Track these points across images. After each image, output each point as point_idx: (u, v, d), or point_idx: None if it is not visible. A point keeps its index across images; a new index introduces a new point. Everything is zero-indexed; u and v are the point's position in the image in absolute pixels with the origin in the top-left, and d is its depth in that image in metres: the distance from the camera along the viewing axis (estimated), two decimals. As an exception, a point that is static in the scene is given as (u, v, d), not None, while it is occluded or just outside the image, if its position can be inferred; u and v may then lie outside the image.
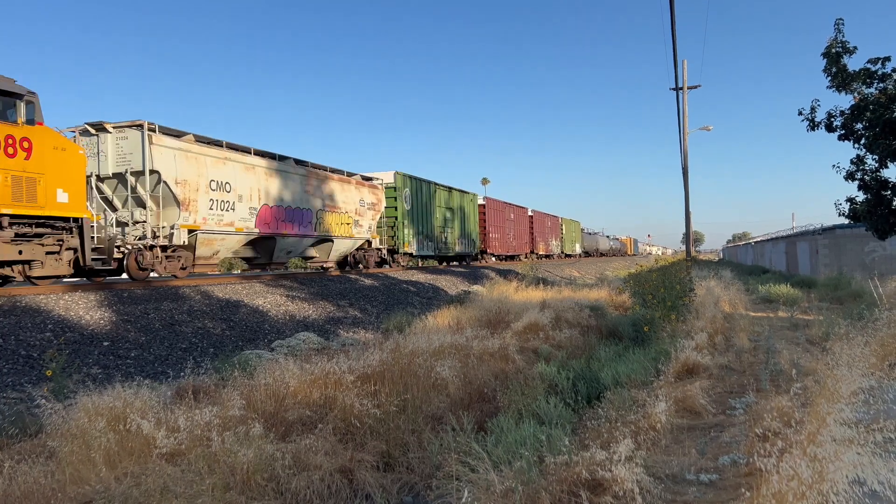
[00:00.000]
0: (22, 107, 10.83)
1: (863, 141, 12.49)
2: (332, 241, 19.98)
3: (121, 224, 13.97)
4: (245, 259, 18.28)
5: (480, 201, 35.07)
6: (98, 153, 13.79)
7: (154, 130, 13.71)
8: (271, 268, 18.42)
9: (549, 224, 49.17)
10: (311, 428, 5.35)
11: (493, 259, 36.71)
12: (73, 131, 13.82)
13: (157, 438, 4.68)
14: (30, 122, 10.93)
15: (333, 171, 20.62)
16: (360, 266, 22.43)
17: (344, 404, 5.64)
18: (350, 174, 21.70)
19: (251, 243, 16.99)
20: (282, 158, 17.86)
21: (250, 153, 16.63)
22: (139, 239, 13.73)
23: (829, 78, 12.76)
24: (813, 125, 13.21)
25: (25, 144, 10.72)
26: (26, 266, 11.51)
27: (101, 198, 13.92)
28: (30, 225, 11.06)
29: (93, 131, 13.76)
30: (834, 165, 13.31)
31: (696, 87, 28.40)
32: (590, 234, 68.17)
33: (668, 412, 5.43)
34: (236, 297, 13.63)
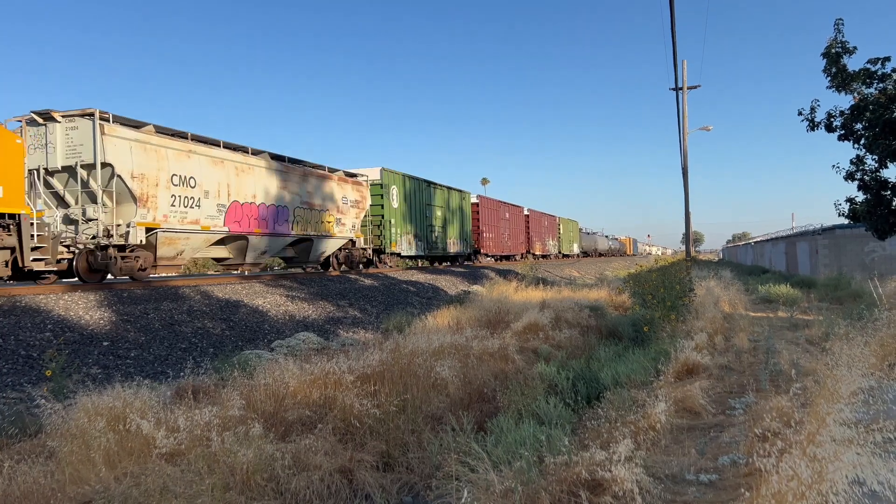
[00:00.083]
0: None
1: (862, 141, 12.50)
2: (312, 241, 19.03)
3: (72, 222, 12.82)
4: (217, 260, 17.33)
5: (474, 200, 34.28)
6: (46, 144, 12.67)
7: (107, 120, 12.63)
8: (245, 269, 17.39)
9: (545, 224, 48.46)
10: (310, 428, 5.35)
11: (488, 259, 35.95)
12: (20, 120, 12.79)
13: (157, 438, 4.68)
14: None
15: (313, 166, 19.61)
16: (344, 267, 21.55)
17: (344, 404, 5.64)
18: (332, 170, 20.61)
19: (221, 243, 16.02)
20: (255, 152, 16.90)
21: (219, 146, 15.55)
22: (92, 238, 12.65)
23: (829, 78, 12.76)
24: (813, 125, 13.22)
25: None
26: None
27: (51, 193, 12.92)
28: None
29: (40, 121, 12.66)
30: (834, 166, 13.33)
31: (695, 87, 28.43)
32: (588, 233, 67.45)
33: (668, 412, 5.43)
34: (236, 297, 13.63)
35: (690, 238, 31.58)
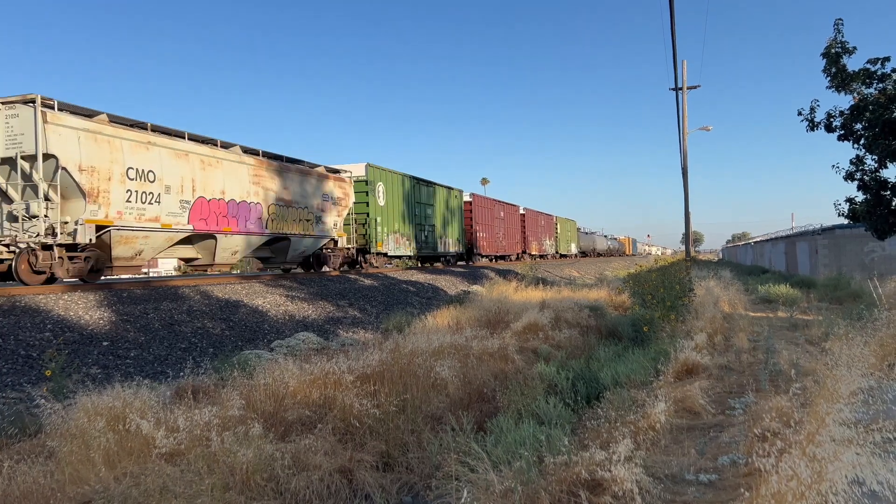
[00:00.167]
0: None
1: (862, 141, 12.50)
2: (290, 241, 17.93)
3: (16, 218, 11.76)
4: (185, 260, 16.35)
5: (467, 198, 33.10)
6: None
7: (52, 107, 11.59)
8: (215, 269, 16.12)
9: (542, 223, 47.42)
10: (310, 428, 5.35)
11: (482, 259, 34.89)
12: None
13: (157, 438, 4.68)
14: None
15: (291, 161, 18.61)
16: (325, 268, 20.60)
17: (343, 404, 5.64)
18: (312, 165, 19.63)
19: (187, 242, 14.97)
20: (225, 145, 15.82)
21: (183, 138, 14.51)
22: (36, 237, 11.60)
23: (829, 78, 12.77)
24: (812, 125, 13.22)
25: None
26: None
27: None
28: None
29: None
30: (833, 166, 13.32)
31: (695, 87, 28.47)
32: (586, 233, 66.63)
33: (668, 412, 5.43)
34: (236, 297, 13.63)
35: (690, 238, 31.59)
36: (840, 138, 12.93)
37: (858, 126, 12.53)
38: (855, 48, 12.45)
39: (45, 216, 11.60)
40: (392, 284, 19.60)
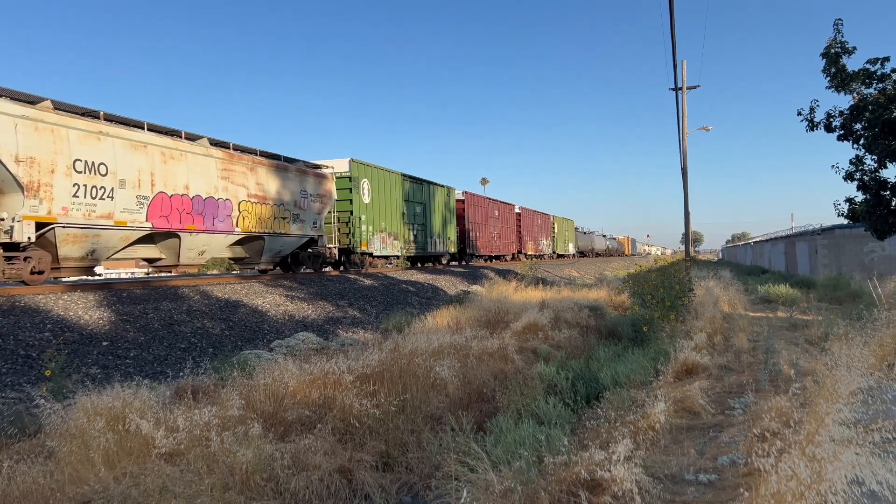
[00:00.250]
0: None
1: (862, 141, 12.51)
2: (264, 240, 16.83)
3: None
4: (147, 261, 15.05)
5: (460, 196, 32.09)
6: None
7: None
8: (181, 270, 14.98)
9: (538, 222, 46.47)
10: (310, 428, 5.35)
11: (475, 260, 33.99)
12: None
13: (156, 438, 4.68)
14: None
15: (265, 154, 17.46)
16: (303, 268, 19.62)
17: (343, 404, 5.64)
18: (290, 160, 18.57)
19: (149, 241, 13.91)
20: (191, 137, 14.75)
21: (142, 128, 13.39)
22: None
23: (829, 78, 12.78)
24: (812, 125, 13.23)
25: None
26: None
27: None
28: None
29: None
30: (833, 166, 13.33)
31: (695, 87, 28.48)
32: (584, 233, 65.63)
33: (667, 412, 5.43)
34: (235, 297, 13.63)
35: (690, 238, 31.60)
36: (840, 138, 12.94)
37: (858, 126, 12.54)
38: (854, 48, 12.47)
39: None
40: (392, 284, 19.60)
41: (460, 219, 31.96)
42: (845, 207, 13.39)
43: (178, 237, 14.12)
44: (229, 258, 17.60)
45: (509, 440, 4.63)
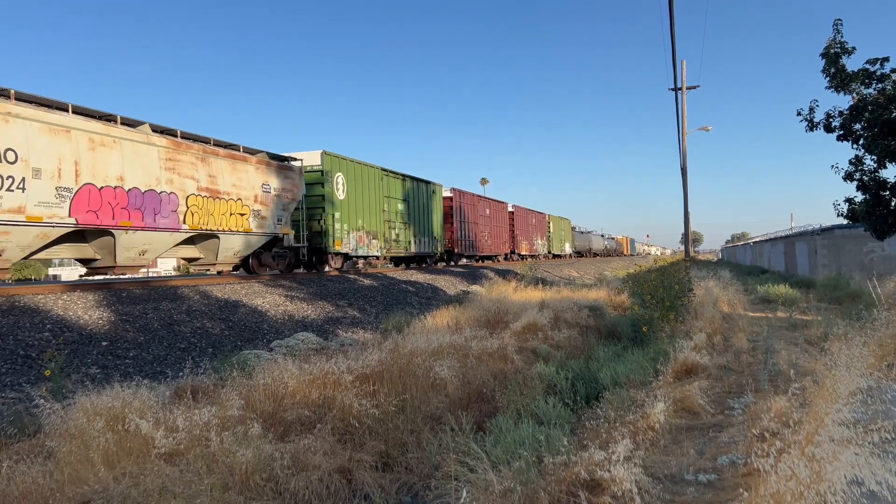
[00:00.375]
0: None
1: (861, 141, 12.51)
2: (218, 238, 15.36)
3: None
4: (81, 262, 13.48)
5: (447, 193, 30.33)
6: None
7: None
8: (118, 272, 13.28)
9: (533, 221, 44.94)
10: (309, 428, 5.35)
11: (464, 260, 32.58)
12: None
13: (156, 438, 4.68)
14: None
15: (220, 144, 15.75)
16: (267, 270, 18.21)
17: (343, 404, 5.64)
18: (250, 150, 16.93)
19: (78, 239, 12.36)
20: (128, 122, 13.17)
21: (66, 111, 11.79)
22: None
23: (828, 78, 12.77)
24: (812, 126, 13.23)
25: None
26: None
27: None
28: None
29: None
30: (833, 166, 13.32)
31: (695, 87, 28.51)
32: (582, 232, 64.21)
33: (667, 412, 5.43)
34: (235, 297, 13.63)
35: (689, 238, 31.62)
36: (839, 138, 12.94)
37: (857, 126, 12.54)
38: (854, 48, 12.46)
39: None
40: (391, 284, 19.60)
41: (448, 217, 30.35)
42: (845, 207, 13.40)
43: (113, 235, 12.60)
44: (183, 258, 16.28)
45: (509, 440, 4.63)
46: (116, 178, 12.56)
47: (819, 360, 6.35)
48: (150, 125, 13.72)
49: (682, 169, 28.40)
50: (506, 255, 38.84)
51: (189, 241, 15.00)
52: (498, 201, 38.26)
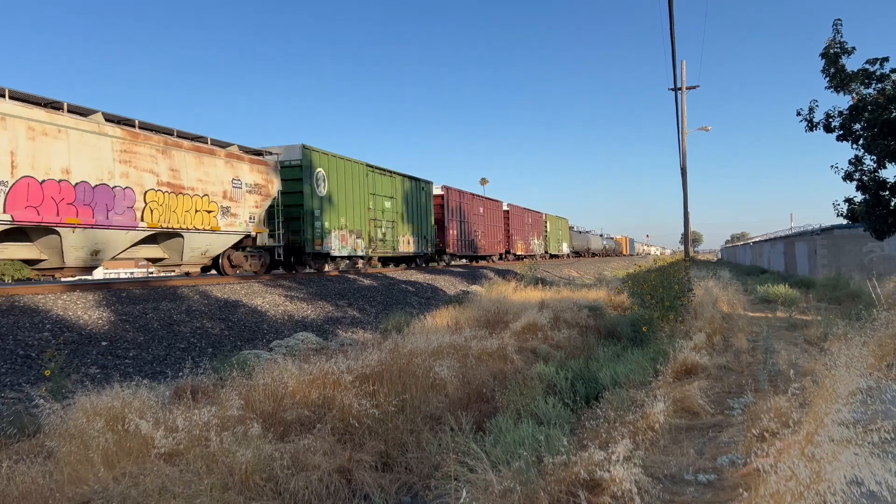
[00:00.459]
0: None
1: (861, 141, 12.51)
2: (182, 237, 14.33)
3: None
4: (27, 262, 12.32)
5: (438, 191, 29.35)
6: None
7: None
8: (66, 274, 12.31)
9: (529, 221, 43.95)
10: (309, 428, 5.35)
11: (456, 260, 31.79)
12: None
13: (156, 438, 4.68)
14: None
15: (185, 135, 14.65)
16: (238, 270, 16.94)
17: (342, 404, 5.64)
18: (219, 143, 15.75)
19: (19, 237, 11.40)
20: (77, 111, 12.14)
21: (3, 97, 10.82)
22: None
23: (828, 78, 12.77)
24: (811, 126, 13.23)
25: None
26: None
27: None
28: None
29: None
30: (832, 166, 13.33)
31: (694, 87, 28.58)
32: (580, 232, 63.30)
33: (667, 412, 5.43)
34: (235, 297, 13.62)
35: (689, 238, 31.63)
36: (839, 138, 12.94)
37: (857, 126, 12.54)
38: (854, 48, 12.46)
39: None
40: (391, 284, 19.60)
41: (439, 216, 29.30)
42: (844, 207, 13.40)
43: (59, 234, 11.56)
44: (145, 259, 15.21)
45: (508, 440, 4.63)
46: (61, 170, 11.51)
47: (819, 360, 6.35)
48: (104, 114, 12.72)
49: (681, 169, 28.42)
50: (501, 255, 38.07)
51: (150, 241, 14.02)
52: (492, 200, 37.50)
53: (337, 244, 20.22)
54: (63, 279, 13.05)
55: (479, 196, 34.78)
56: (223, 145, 15.89)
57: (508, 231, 39.65)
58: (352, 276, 19.91)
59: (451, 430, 4.98)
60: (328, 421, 5.47)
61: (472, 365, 7.78)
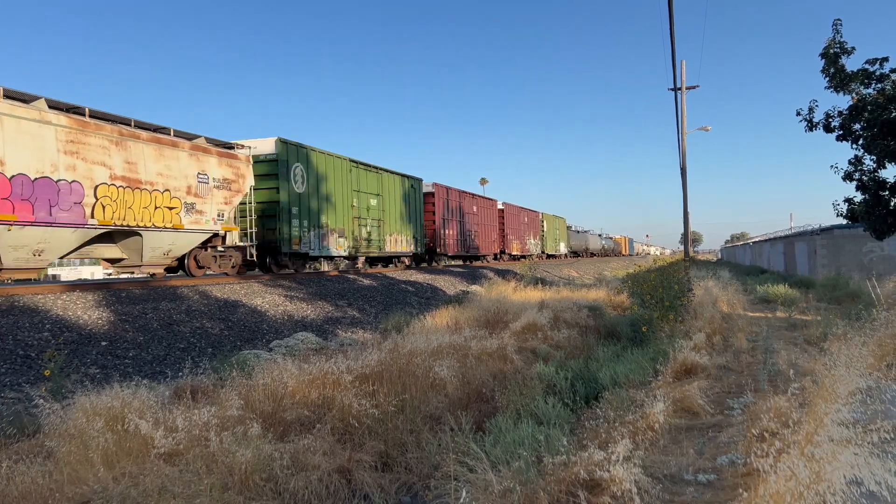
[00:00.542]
0: None
1: (861, 141, 12.51)
2: (140, 236, 13.16)
3: None
4: None
5: (429, 189, 28.26)
6: None
7: None
8: (5, 276, 11.26)
9: (525, 220, 42.93)
10: (309, 428, 5.35)
11: (447, 261, 30.81)
12: None
13: (155, 438, 4.68)
14: None
15: (144, 126, 13.54)
16: (206, 271, 15.86)
17: (342, 404, 5.64)
18: (184, 134, 14.58)
19: None
20: (15, 96, 11.02)
21: None
22: None
23: (828, 78, 12.77)
24: (811, 126, 13.23)
25: None
26: None
27: None
28: None
29: None
30: (832, 166, 13.33)
31: (694, 87, 28.60)
32: (578, 231, 61.78)
33: (667, 412, 5.43)
34: (234, 297, 13.62)
35: (689, 238, 31.63)
36: (839, 138, 12.94)
37: (857, 126, 12.54)
38: (853, 48, 12.46)
39: None
40: (391, 284, 19.60)
41: (430, 214, 28.19)
42: (844, 207, 13.40)
43: None
44: (102, 259, 14.07)
45: (508, 440, 4.64)
46: None
47: (818, 360, 6.35)
48: (48, 100, 11.57)
49: (681, 169, 28.43)
50: (495, 255, 37.26)
51: (106, 240, 12.90)
52: (486, 198, 36.74)
53: (316, 243, 19.20)
54: (3, 281, 11.92)
55: (472, 194, 33.93)
56: (189, 137, 14.77)
57: (503, 230, 38.80)
58: (351, 276, 19.91)
59: (450, 430, 4.98)
60: (328, 421, 5.47)
61: (471, 365, 7.78)
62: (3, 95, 10.80)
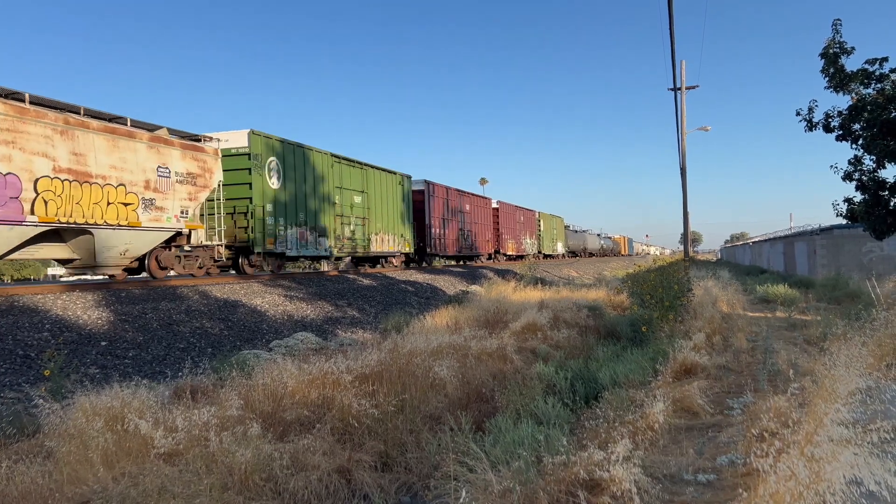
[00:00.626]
0: None
1: (860, 141, 12.51)
2: (91, 234, 11.97)
3: None
4: None
5: (419, 186, 27.36)
6: None
7: None
8: None
9: (520, 219, 41.90)
10: (309, 428, 5.35)
11: (438, 261, 30.08)
12: None
13: (155, 438, 4.68)
14: None
15: (95, 115, 12.39)
16: (169, 272, 14.71)
17: (342, 404, 5.64)
18: (143, 125, 13.43)
19: None
20: None
21: None
22: None
23: (827, 78, 12.78)
24: (811, 126, 13.23)
25: None
26: None
27: None
28: None
29: None
30: (832, 166, 13.34)
31: (694, 87, 28.63)
32: (576, 231, 60.92)
33: (666, 412, 5.43)
34: (234, 297, 13.62)
35: (689, 238, 31.65)
36: (838, 138, 12.95)
37: (857, 126, 12.54)
38: (853, 48, 12.46)
39: None
40: (391, 284, 19.61)
41: (419, 213, 27.15)
42: (844, 207, 13.41)
43: None
44: (53, 259, 12.93)
45: (508, 440, 4.64)
46: None
47: (818, 360, 6.35)
48: None
49: (681, 169, 28.45)
50: (490, 255, 36.41)
51: (53, 238, 11.71)
52: (480, 196, 35.74)
53: (294, 242, 18.14)
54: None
55: (465, 192, 32.75)
56: (149, 128, 13.61)
57: (498, 230, 37.83)
58: (351, 276, 19.92)
59: (450, 430, 4.98)
60: (328, 421, 5.47)
61: (471, 365, 7.78)
62: None
